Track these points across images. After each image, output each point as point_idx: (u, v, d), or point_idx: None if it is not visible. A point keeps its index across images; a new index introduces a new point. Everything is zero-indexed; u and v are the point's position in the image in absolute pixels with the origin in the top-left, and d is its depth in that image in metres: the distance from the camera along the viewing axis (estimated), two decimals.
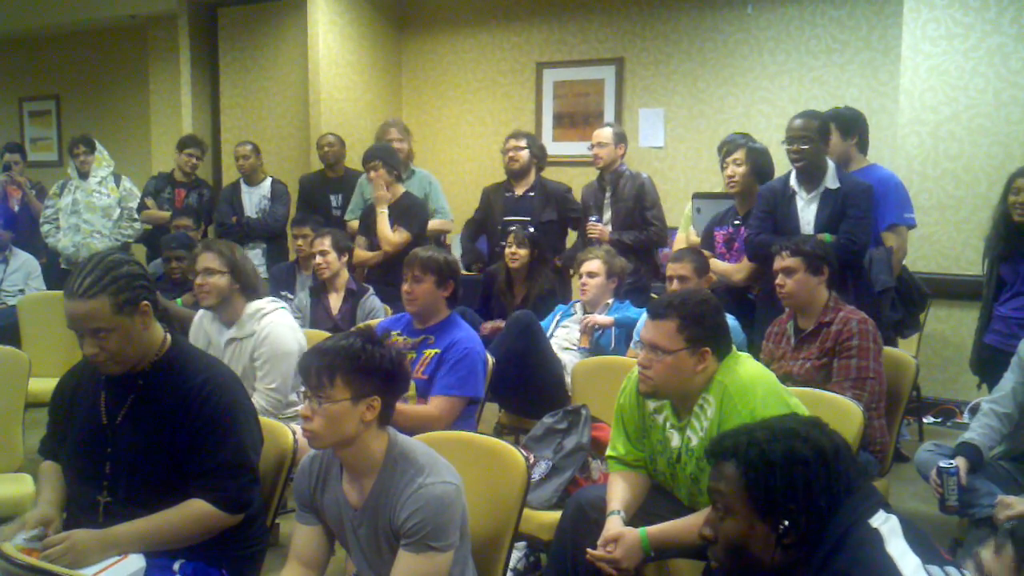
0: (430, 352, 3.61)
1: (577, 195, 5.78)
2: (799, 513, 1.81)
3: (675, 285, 4.26)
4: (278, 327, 3.80)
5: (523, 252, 5.05)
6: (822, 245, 3.80)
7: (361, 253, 5.64)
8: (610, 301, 4.69)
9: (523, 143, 5.70)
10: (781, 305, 4.05)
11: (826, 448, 1.86)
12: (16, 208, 7.59)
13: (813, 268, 3.68)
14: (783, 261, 3.74)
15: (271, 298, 3.96)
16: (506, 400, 4.47)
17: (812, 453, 1.84)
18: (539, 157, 5.76)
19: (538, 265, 5.12)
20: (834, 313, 3.67)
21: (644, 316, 4.35)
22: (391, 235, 5.50)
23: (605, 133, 5.48)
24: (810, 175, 4.36)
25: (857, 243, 4.24)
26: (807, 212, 4.35)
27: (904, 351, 4.12)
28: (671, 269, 4.35)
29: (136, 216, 7.10)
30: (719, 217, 5.01)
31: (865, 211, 4.28)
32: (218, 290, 3.79)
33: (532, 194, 5.67)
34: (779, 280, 3.74)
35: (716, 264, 4.79)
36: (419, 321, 3.74)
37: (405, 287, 3.74)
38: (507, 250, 5.09)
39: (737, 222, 4.80)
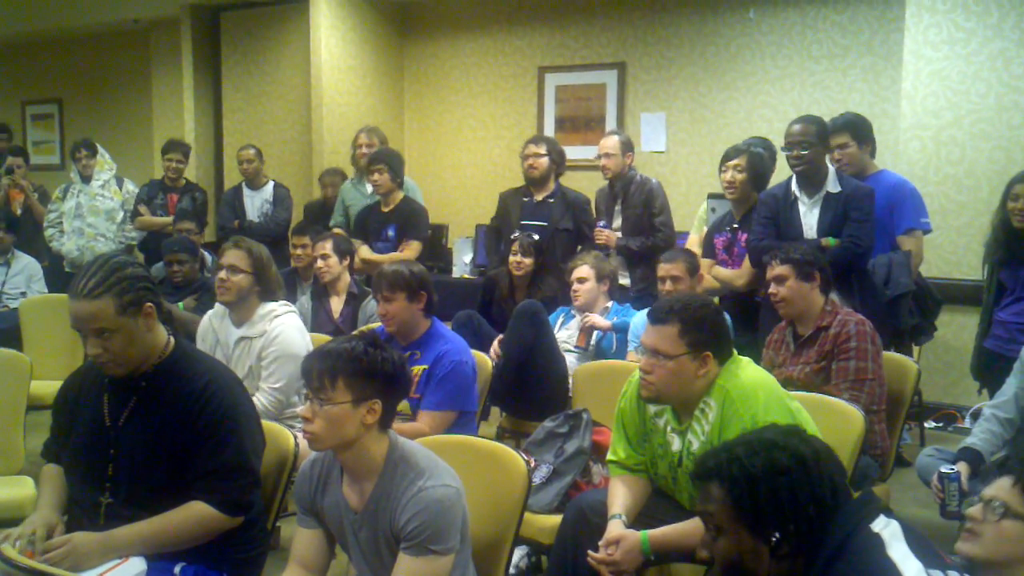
0: (418, 369, 3.59)
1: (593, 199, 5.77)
2: (788, 523, 1.81)
3: (668, 286, 4.28)
4: (288, 329, 3.81)
5: (528, 261, 5.02)
6: (812, 251, 3.80)
7: (371, 255, 5.66)
8: (608, 305, 4.70)
9: (543, 150, 5.62)
10: None
11: (806, 455, 1.86)
12: (19, 212, 7.60)
13: (803, 275, 3.67)
14: (773, 270, 3.74)
15: (284, 301, 3.97)
16: (509, 398, 4.46)
17: (793, 462, 1.84)
18: (559, 163, 5.70)
19: (541, 273, 5.10)
20: (831, 317, 3.66)
21: (637, 318, 4.43)
22: (402, 257, 5.50)
23: (611, 143, 5.44)
24: (811, 180, 4.36)
25: (861, 246, 4.24)
26: (810, 217, 4.35)
27: (906, 356, 4.12)
28: (663, 270, 4.37)
29: (131, 223, 7.11)
30: (718, 223, 5.01)
31: (868, 214, 4.29)
32: (238, 289, 3.79)
33: (552, 200, 5.63)
34: (772, 289, 3.74)
35: (719, 271, 4.78)
36: (401, 338, 3.72)
37: (379, 309, 3.74)
38: (511, 258, 5.06)
39: (735, 226, 4.81)
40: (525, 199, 5.72)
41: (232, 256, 3.80)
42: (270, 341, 3.78)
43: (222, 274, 3.80)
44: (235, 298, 3.81)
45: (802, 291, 3.68)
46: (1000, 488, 2.10)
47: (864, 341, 3.56)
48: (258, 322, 3.82)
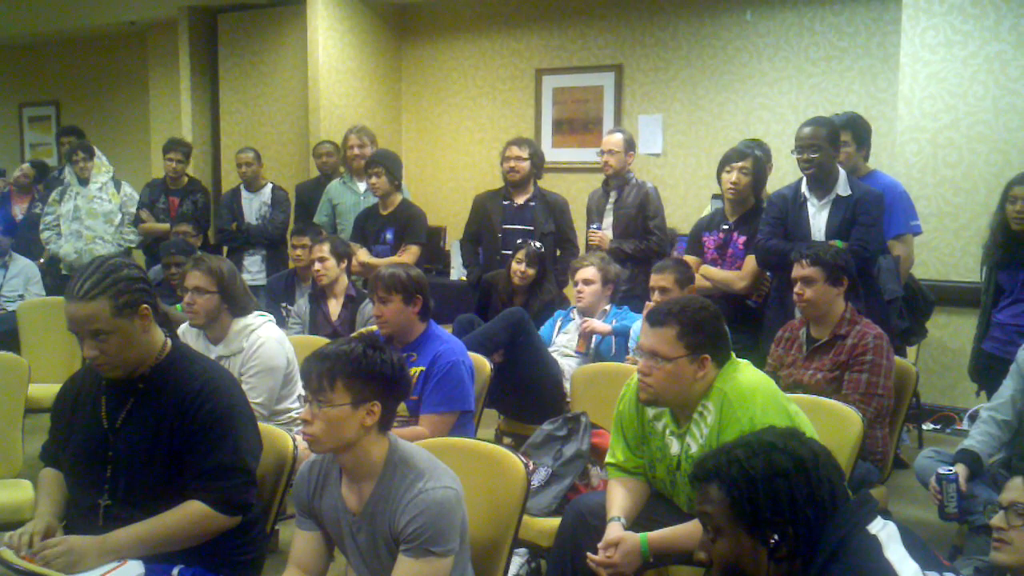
0: (415, 371, 3.58)
1: (582, 201, 5.75)
2: (787, 525, 1.81)
3: (657, 296, 4.23)
4: (267, 341, 3.79)
5: (531, 271, 4.99)
6: (843, 256, 3.77)
7: (370, 258, 5.68)
8: (607, 307, 4.69)
9: (525, 153, 5.57)
10: (791, 311, 4.04)
11: (805, 457, 1.87)
12: (20, 217, 7.62)
13: (833, 279, 3.66)
14: (803, 270, 3.70)
15: (258, 312, 3.93)
16: (503, 402, 4.46)
17: (792, 464, 1.84)
18: (539, 167, 5.67)
19: (541, 280, 5.09)
20: (850, 326, 3.64)
21: (638, 323, 4.42)
22: (400, 262, 5.51)
23: (616, 140, 5.40)
24: (821, 182, 4.35)
25: (868, 250, 4.24)
26: (818, 219, 4.35)
27: (904, 359, 4.12)
28: (654, 280, 4.33)
29: (134, 228, 7.10)
30: (706, 222, 5.00)
31: (876, 218, 4.29)
32: (206, 310, 3.76)
33: (533, 204, 5.59)
34: (798, 288, 3.71)
35: (715, 272, 4.77)
36: (397, 341, 3.69)
37: (374, 310, 3.73)
38: (514, 265, 5.03)
39: (726, 227, 4.80)
40: (505, 202, 5.66)
41: (195, 278, 3.76)
42: (249, 356, 3.76)
43: (188, 298, 3.77)
44: (205, 320, 3.78)
45: (828, 296, 3.67)
46: (1015, 490, 2.10)
47: (880, 356, 3.55)
48: (234, 339, 3.80)
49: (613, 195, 5.42)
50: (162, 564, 2.41)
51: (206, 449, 2.44)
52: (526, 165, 5.57)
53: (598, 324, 4.59)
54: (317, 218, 6.32)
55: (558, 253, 5.59)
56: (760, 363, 3.40)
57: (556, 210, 5.60)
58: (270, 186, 6.94)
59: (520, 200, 5.62)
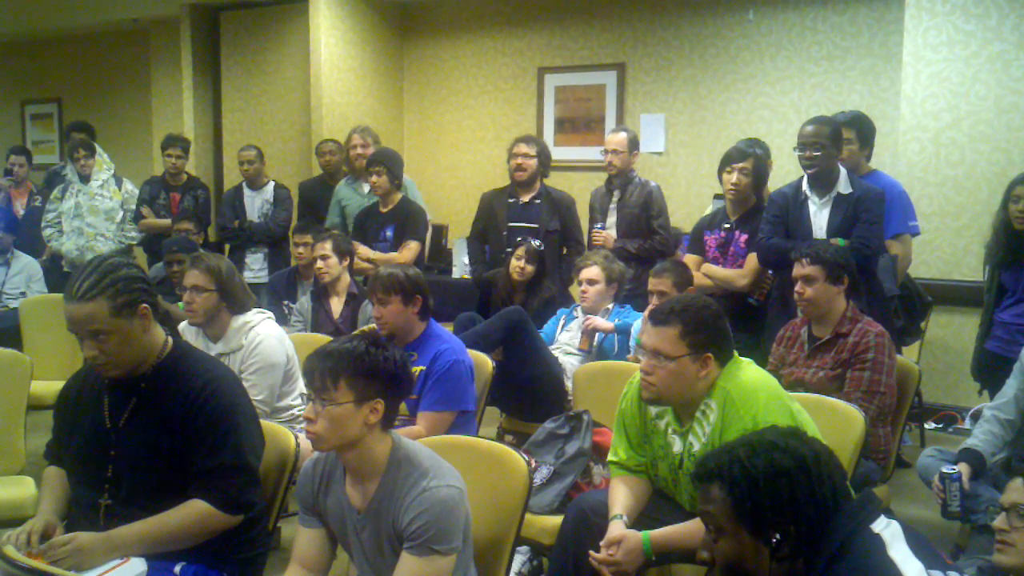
0: (416, 370, 3.57)
1: (583, 199, 5.76)
2: (788, 524, 1.81)
3: (655, 301, 4.22)
4: (266, 338, 3.79)
5: (531, 268, 4.99)
6: (843, 254, 3.77)
7: (371, 253, 5.69)
8: (610, 306, 4.69)
9: (533, 151, 5.58)
10: (793, 310, 4.04)
11: (806, 456, 1.87)
12: (22, 212, 7.62)
13: (833, 277, 3.66)
14: (803, 269, 3.70)
15: (257, 309, 3.94)
16: (505, 400, 4.46)
17: (793, 463, 1.85)
18: (545, 165, 5.68)
19: (540, 276, 5.10)
20: (851, 324, 3.64)
21: (639, 321, 4.42)
22: (400, 257, 5.51)
23: (620, 139, 5.40)
24: (823, 181, 4.36)
25: (870, 247, 4.24)
26: (819, 217, 4.36)
27: (906, 357, 4.12)
28: (652, 284, 4.33)
29: (135, 225, 7.09)
30: (707, 220, 4.99)
31: (878, 216, 4.29)
32: (205, 309, 3.77)
33: (538, 202, 5.60)
34: (798, 287, 3.71)
35: (716, 271, 4.77)
36: (398, 341, 3.68)
37: (374, 312, 3.72)
38: (514, 262, 5.03)
39: (727, 226, 4.80)
40: (511, 200, 5.67)
41: (193, 277, 3.77)
42: (249, 353, 3.77)
43: (186, 296, 3.78)
44: (204, 318, 3.79)
45: (829, 294, 3.67)
46: (1016, 491, 2.11)
47: (882, 354, 3.55)
48: (233, 337, 3.81)
49: (616, 194, 5.42)
50: (164, 561, 2.41)
51: (208, 448, 2.45)
52: (533, 163, 5.58)
53: (600, 321, 4.59)
54: (329, 220, 6.32)
55: (564, 251, 5.59)
56: (762, 362, 3.39)
57: (562, 208, 5.60)
58: (272, 184, 6.94)
59: (526, 198, 5.63)
